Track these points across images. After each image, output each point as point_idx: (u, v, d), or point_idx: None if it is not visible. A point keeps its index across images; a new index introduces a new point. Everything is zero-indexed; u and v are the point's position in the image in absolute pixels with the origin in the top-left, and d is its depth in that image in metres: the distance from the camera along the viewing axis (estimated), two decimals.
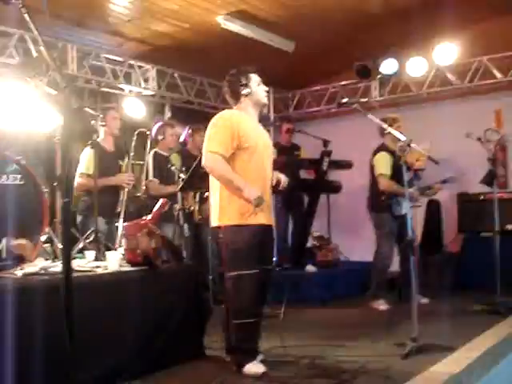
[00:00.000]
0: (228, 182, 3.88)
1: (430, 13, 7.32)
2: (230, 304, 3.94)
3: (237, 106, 4.14)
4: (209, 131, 3.99)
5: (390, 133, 5.84)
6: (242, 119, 4.02)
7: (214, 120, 4.05)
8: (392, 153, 6.21)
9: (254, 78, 4.10)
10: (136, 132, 5.65)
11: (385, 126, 5.02)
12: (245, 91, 4.06)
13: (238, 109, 4.12)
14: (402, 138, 4.53)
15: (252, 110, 4.11)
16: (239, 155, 3.92)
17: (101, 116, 5.38)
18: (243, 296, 3.85)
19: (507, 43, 7.66)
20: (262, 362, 3.91)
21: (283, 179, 4.23)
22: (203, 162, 3.93)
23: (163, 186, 5.99)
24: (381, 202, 6.20)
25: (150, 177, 5.96)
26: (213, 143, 3.90)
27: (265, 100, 4.17)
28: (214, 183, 4.03)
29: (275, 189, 4.22)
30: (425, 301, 6.23)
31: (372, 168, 6.39)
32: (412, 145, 4.47)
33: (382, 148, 6.34)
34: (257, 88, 4.09)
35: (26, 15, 2.20)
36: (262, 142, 4.06)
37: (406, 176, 4.43)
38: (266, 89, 4.16)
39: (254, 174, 3.94)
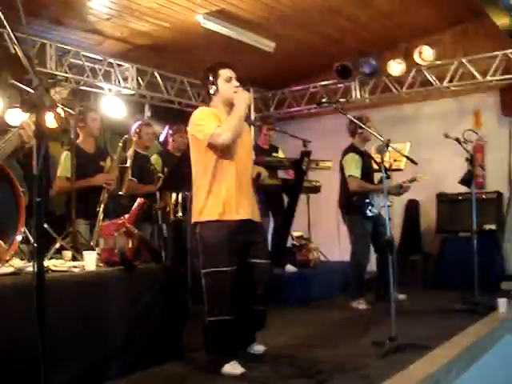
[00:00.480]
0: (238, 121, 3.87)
1: (410, 13, 7.39)
2: (204, 301, 3.93)
3: (210, 104, 4.10)
4: (196, 122, 3.94)
5: (360, 133, 5.92)
6: (217, 115, 3.98)
7: (195, 114, 3.99)
8: (361, 153, 6.25)
9: (224, 75, 3.99)
10: (123, 139, 5.64)
11: (362, 125, 5.04)
12: (212, 90, 4.00)
13: (211, 107, 4.07)
14: (380, 138, 4.54)
15: (223, 107, 4.03)
16: (217, 152, 3.90)
17: (80, 117, 5.36)
18: (217, 293, 3.85)
19: (486, 44, 7.74)
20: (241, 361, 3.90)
21: (263, 172, 4.23)
22: (209, 144, 3.85)
23: (141, 185, 5.96)
24: (352, 204, 6.22)
25: (129, 176, 5.92)
26: (204, 126, 3.86)
27: (233, 96, 3.97)
28: (195, 182, 4.01)
29: (255, 182, 4.22)
30: (402, 297, 6.28)
31: (342, 169, 6.41)
32: (390, 145, 4.49)
33: (351, 149, 6.37)
34: (224, 85, 3.99)
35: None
36: (241, 139, 4.03)
37: (384, 177, 4.44)
38: (237, 84, 4.02)
39: (232, 170, 3.93)
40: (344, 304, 6.44)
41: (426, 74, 8.19)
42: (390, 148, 4.55)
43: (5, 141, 2.41)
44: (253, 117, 9.76)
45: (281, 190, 7.28)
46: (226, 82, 4.00)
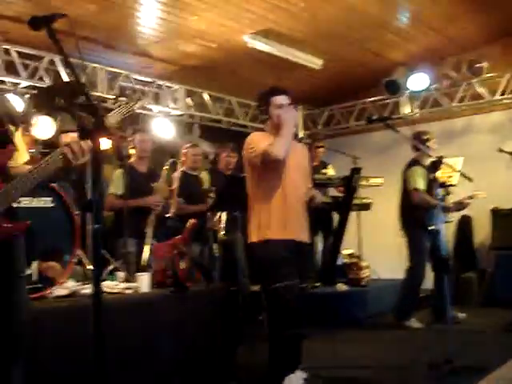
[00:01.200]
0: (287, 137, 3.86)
1: (459, 26, 7.28)
2: (268, 317, 3.92)
3: (265, 129, 4.12)
4: (249, 146, 3.96)
5: (427, 147, 5.82)
6: (269, 139, 3.98)
7: (248, 138, 4.01)
8: (424, 167, 6.14)
9: (275, 102, 4.00)
10: (169, 161, 5.70)
11: (415, 142, 4.95)
12: (264, 116, 4.06)
13: (266, 131, 4.09)
14: (435, 154, 4.46)
15: (276, 134, 3.98)
16: (268, 173, 3.91)
17: (133, 137, 5.46)
18: (280, 308, 3.82)
19: None
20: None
21: (318, 196, 4.20)
22: (262, 162, 3.85)
23: (188, 206, 5.95)
24: (414, 217, 6.11)
25: (175, 197, 5.94)
26: (256, 146, 3.88)
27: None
28: (251, 203, 4.03)
29: (308, 204, 4.20)
30: (462, 316, 6.11)
31: (405, 182, 6.31)
32: (444, 160, 4.40)
33: (415, 162, 6.26)
34: (276, 112, 3.98)
35: (54, 41, 2.20)
36: (295, 161, 4.02)
37: (439, 192, 4.35)
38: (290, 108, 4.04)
39: (283, 193, 3.93)
40: (397, 323, 6.30)
41: (477, 88, 8.04)
42: (444, 163, 4.44)
43: (47, 159, 2.44)
44: (301, 134, 9.74)
45: (331, 207, 7.21)
46: (277, 109, 3.99)
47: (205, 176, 6.35)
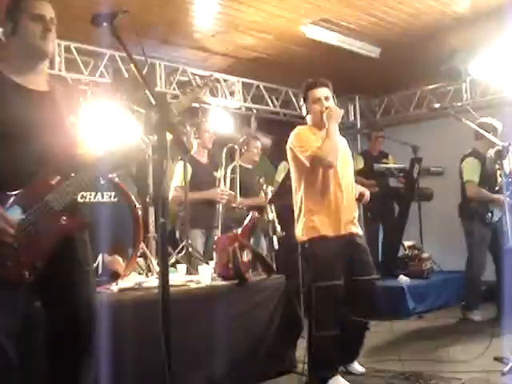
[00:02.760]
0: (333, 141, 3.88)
1: None
2: (310, 316, 3.90)
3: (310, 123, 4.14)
4: (296, 144, 4.00)
5: (484, 137, 5.65)
6: (313, 136, 4.01)
7: (293, 135, 4.06)
8: (482, 158, 6.00)
9: (313, 96, 4.03)
10: (225, 148, 5.71)
11: (480, 130, 4.81)
12: (303, 111, 4.11)
13: (308, 126, 4.13)
14: (499, 142, 4.33)
15: (315, 128, 4.07)
16: (318, 172, 3.92)
17: (194, 129, 5.50)
18: (323, 308, 3.80)
19: None
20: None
21: (366, 194, 4.17)
22: (311, 165, 3.89)
23: (246, 199, 5.94)
24: (470, 210, 6.01)
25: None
26: (305, 148, 3.91)
27: (321, 117, 4.00)
28: (298, 200, 4.02)
29: (358, 201, 4.18)
30: None
31: (461, 174, 6.19)
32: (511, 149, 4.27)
33: (472, 153, 6.13)
34: (313, 107, 4.03)
35: (116, 38, 2.23)
36: (340, 155, 4.00)
37: (504, 183, 4.23)
38: (326, 105, 4.00)
39: (334, 186, 3.92)
40: (461, 315, 6.17)
41: None
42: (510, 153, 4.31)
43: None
44: (359, 124, 9.64)
45: (391, 198, 7.12)
46: (314, 104, 4.01)
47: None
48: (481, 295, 6.21)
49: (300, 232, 3.99)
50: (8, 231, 2.30)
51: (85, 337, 2.55)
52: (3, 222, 2.29)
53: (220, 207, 5.46)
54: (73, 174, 2.50)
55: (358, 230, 4.06)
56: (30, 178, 2.42)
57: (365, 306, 4.01)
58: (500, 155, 4.24)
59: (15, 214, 2.36)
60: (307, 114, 4.08)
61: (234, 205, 5.61)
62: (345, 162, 4.07)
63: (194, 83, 6.71)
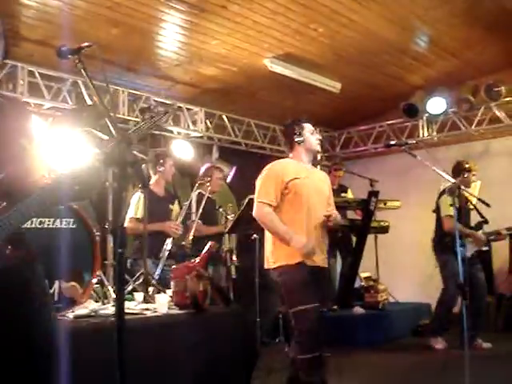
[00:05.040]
0: (275, 233, 4.00)
1: (476, 50, 7.31)
2: (294, 340, 3.94)
3: (292, 154, 4.26)
4: (257, 182, 4.12)
5: (465, 177, 5.92)
6: (288, 167, 4.12)
7: (262, 172, 4.15)
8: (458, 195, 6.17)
9: (308, 128, 4.24)
10: (196, 186, 5.78)
11: (433, 167, 4.95)
12: (298, 139, 4.19)
13: (293, 157, 4.24)
14: (451, 179, 4.48)
15: (305, 157, 4.23)
16: (287, 201, 3.99)
17: (160, 161, 5.55)
18: (307, 330, 3.85)
19: None
20: None
21: (337, 217, 4.23)
22: (254, 213, 4.05)
23: (206, 227, 5.99)
24: (445, 243, 6.15)
25: (193, 217, 5.98)
26: (261, 193, 4.04)
27: (317, 147, 4.29)
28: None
29: (325, 223, 4.23)
30: (487, 345, 6.08)
31: (438, 209, 6.35)
32: (462, 187, 4.42)
33: (448, 190, 6.29)
34: (309, 136, 4.22)
35: (81, 69, 2.25)
36: (314, 187, 4.10)
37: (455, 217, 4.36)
38: (319, 137, 4.31)
39: (303, 219, 3.98)
40: (415, 347, 6.28)
41: (496, 111, 8.04)
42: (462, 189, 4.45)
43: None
44: (319, 157, 9.78)
45: (349, 230, 7.23)
46: (310, 134, 4.22)
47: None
48: (447, 325, 6.29)
49: (270, 258, 4.03)
50: None
51: (45, 366, 2.39)
52: None
53: (169, 241, 5.44)
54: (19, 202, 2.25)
55: (325, 262, 4.14)
56: None
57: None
58: (452, 192, 4.38)
59: None
60: (301, 142, 4.19)
61: (184, 243, 5.61)
62: (319, 194, 4.16)
63: (153, 108, 6.77)
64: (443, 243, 6.20)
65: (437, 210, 6.38)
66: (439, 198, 6.36)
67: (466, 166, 6.23)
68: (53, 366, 2.41)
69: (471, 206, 5.88)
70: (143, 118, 2.76)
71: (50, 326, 2.48)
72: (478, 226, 6.09)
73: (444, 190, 6.30)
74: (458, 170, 6.18)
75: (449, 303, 6.24)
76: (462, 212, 6.08)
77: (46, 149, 2.79)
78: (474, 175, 6.18)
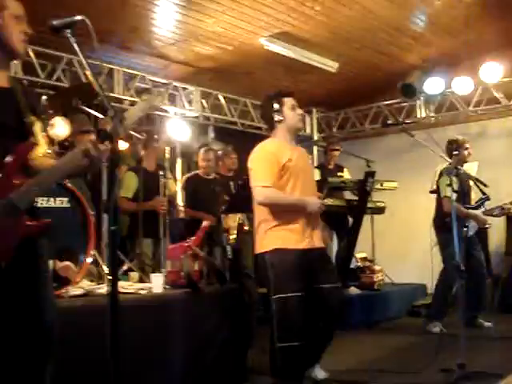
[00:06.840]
0: (288, 206, 3.85)
1: (475, 30, 7.24)
2: (274, 327, 3.83)
3: (272, 133, 4.05)
4: (252, 166, 3.92)
5: (456, 154, 5.85)
6: (280, 148, 3.93)
7: (255, 152, 3.95)
8: (457, 174, 6.14)
9: (288, 103, 3.98)
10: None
11: (431, 148, 4.95)
12: (277, 118, 3.97)
13: (273, 135, 4.03)
14: (448, 160, 4.46)
15: (287, 135, 4.01)
16: (279, 183, 3.85)
17: (155, 137, 5.56)
18: (287, 319, 3.76)
19: None
20: None
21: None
22: (257, 200, 3.85)
23: (195, 212, 5.94)
24: (445, 223, 6.13)
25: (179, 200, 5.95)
26: (260, 177, 3.84)
27: (299, 125, 4.07)
28: (258, 212, 3.96)
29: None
30: (488, 324, 6.10)
31: (438, 189, 6.33)
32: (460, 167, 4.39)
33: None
34: (290, 113, 3.97)
35: (75, 44, 2.22)
36: (301, 166, 3.97)
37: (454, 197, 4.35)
38: (301, 112, 4.06)
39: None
40: (410, 327, 6.29)
41: (493, 92, 8.00)
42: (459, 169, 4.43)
43: (69, 156, 2.36)
44: (316, 137, 9.76)
45: (345, 211, 7.22)
46: (291, 110, 3.98)
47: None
48: (447, 308, 6.29)
49: (259, 243, 3.90)
50: None
51: (49, 340, 2.45)
52: None
53: (162, 219, 5.39)
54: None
55: (320, 242, 4.00)
56: None
57: (334, 312, 3.98)
58: (450, 172, 4.35)
59: None
60: (281, 120, 4.02)
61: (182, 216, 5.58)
62: (306, 173, 4.06)
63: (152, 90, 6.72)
64: (444, 223, 6.19)
65: (438, 191, 6.37)
66: (439, 178, 6.33)
67: (457, 141, 6.13)
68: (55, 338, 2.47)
69: (471, 183, 5.83)
70: (140, 98, 2.72)
71: (54, 302, 2.55)
72: (480, 203, 6.06)
73: (442, 171, 6.29)
74: (450, 149, 6.12)
75: (449, 282, 6.23)
76: (464, 191, 6.08)
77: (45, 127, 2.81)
78: (466, 149, 6.08)
